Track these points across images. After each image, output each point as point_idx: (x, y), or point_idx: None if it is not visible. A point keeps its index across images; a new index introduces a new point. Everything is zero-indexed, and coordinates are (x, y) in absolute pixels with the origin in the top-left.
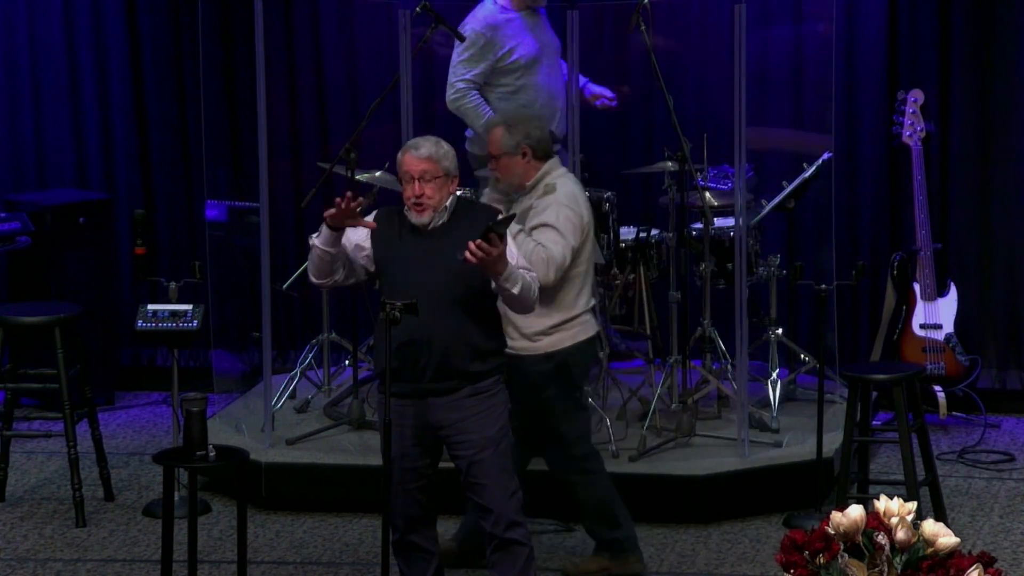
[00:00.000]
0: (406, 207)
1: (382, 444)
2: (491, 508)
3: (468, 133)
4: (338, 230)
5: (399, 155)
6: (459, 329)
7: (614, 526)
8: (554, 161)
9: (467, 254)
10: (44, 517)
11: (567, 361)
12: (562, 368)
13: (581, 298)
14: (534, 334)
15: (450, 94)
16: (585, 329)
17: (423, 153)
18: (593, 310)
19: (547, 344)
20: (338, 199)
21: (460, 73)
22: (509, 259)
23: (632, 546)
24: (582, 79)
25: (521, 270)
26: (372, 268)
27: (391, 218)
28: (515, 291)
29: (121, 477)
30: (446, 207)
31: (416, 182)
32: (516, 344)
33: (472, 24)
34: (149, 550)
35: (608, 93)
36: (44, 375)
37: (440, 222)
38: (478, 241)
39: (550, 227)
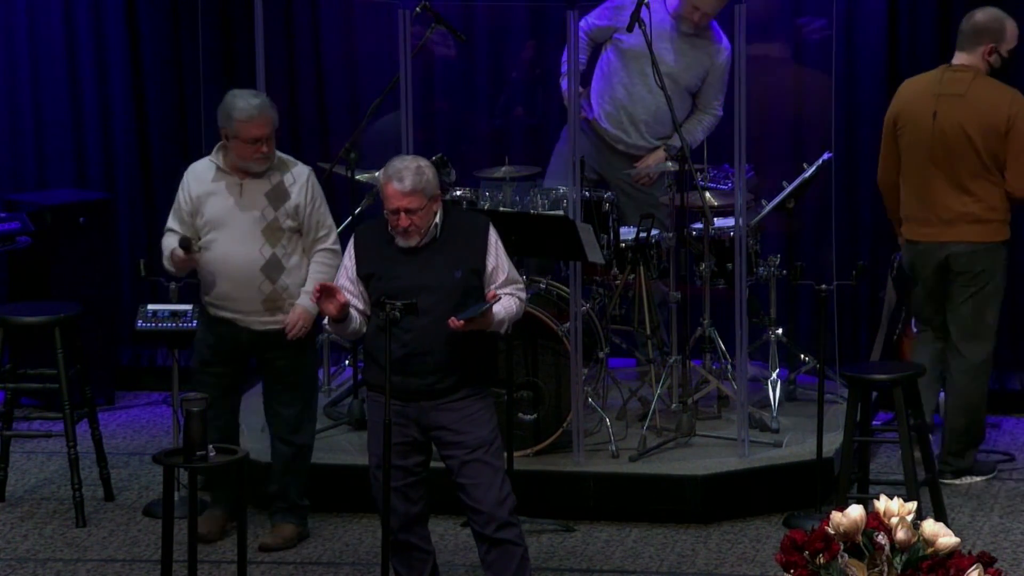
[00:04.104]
0: (392, 228)
1: (383, 445)
2: (482, 509)
3: (563, 69)
4: (344, 318)
5: (381, 179)
6: (456, 343)
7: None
8: None
9: (450, 322)
10: (44, 517)
11: None
12: None
13: None
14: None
15: None
16: None
17: (407, 187)
18: None
19: None
20: (316, 294)
21: (589, 17)
22: (500, 275)
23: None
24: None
25: (507, 292)
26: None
27: (376, 234)
28: (502, 331)
29: (121, 477)
30: (436, 224)
31: (402, 214)
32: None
33: None
34: (149, 550)
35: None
36: (44, 375)
37: (430, 239)
38: (461, 323)
39: None
